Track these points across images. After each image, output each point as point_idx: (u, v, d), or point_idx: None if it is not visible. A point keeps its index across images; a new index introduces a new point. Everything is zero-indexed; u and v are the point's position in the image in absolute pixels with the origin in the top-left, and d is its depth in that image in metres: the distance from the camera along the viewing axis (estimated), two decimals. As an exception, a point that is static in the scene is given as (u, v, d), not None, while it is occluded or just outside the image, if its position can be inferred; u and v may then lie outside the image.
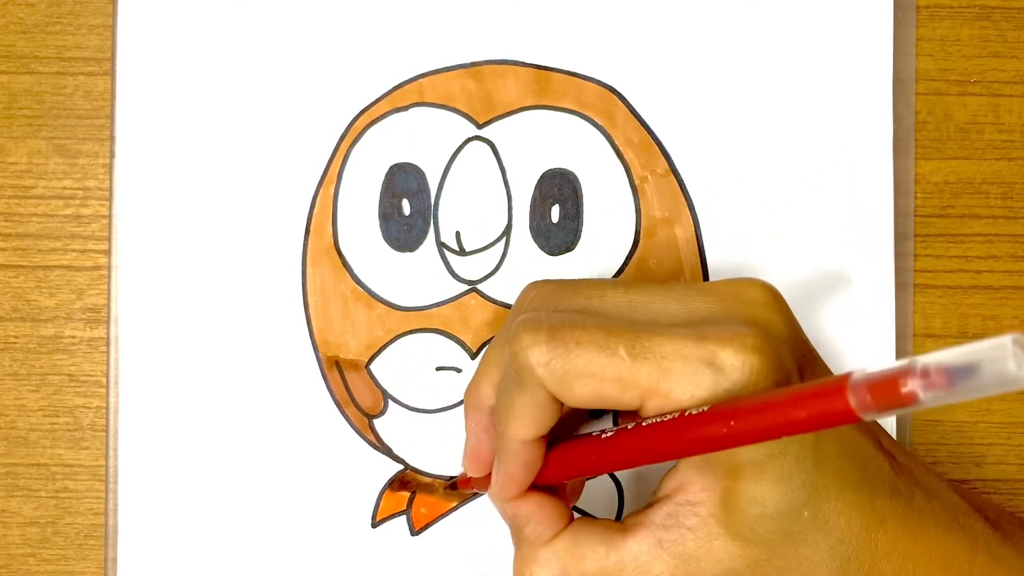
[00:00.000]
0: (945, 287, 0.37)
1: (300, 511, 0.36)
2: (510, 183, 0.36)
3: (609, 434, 0.28)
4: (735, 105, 0.37)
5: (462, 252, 0.36)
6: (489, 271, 0.36)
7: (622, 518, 0.30)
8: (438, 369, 0.36)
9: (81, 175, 0.37)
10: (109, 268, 0.37)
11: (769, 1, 0.37)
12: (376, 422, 0.36)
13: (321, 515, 0.36)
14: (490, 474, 0.31)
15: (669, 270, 0.36)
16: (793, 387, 0.24)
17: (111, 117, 0.37)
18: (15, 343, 0.37)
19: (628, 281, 0.30)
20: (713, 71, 0.37)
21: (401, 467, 0.36)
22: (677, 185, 0.37)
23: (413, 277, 0.36)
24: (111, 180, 0.37)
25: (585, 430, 0.31)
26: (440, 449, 0.36)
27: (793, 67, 0.37)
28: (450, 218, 0.36)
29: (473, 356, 0.36)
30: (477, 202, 0.36)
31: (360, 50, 0.37)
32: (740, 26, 0.37)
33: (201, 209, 0.36)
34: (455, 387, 0.36)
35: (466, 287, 0.36)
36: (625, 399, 0.27)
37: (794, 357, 0.28)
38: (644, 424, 0.27)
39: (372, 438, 0.36)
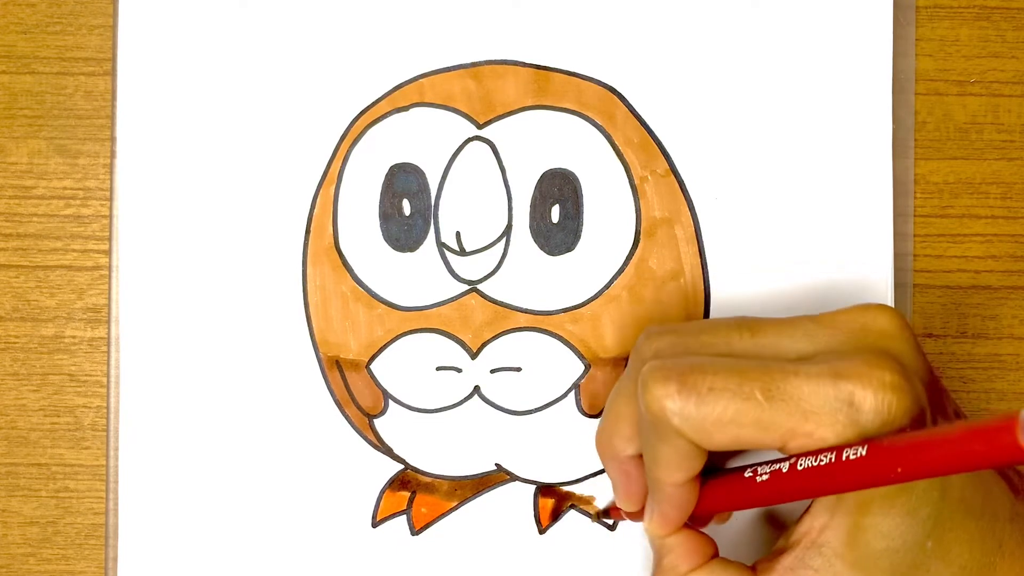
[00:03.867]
0: (945, 287, 0.37)
1: (300, 511, 0.36)
2: (510, 183, 0.36)
3: (764, 477, 0.28)
4: (735, 105, 0.37)
5: (462, 252, 0.36)
6: (489, 271, 0.36)
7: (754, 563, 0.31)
8: (438, 369, 0.36)
9: (82, 175, 0.37)
10: (109, 268, 0.37)
11: (769, 1, 0.37)
12: (376, 422, 0.36)
13: (321, 515, 0.36)
14: (644, 507, 0.32)
15: (669, 270, 0.36)
16: (957, 425, 0.24)
17: (112, 117, 0.37)
18: (16, 343, 0.37)
19: (750, 322, 0.29)
20: (713, 71, 0.37)
21: (401, 467, 0.36)
22: (677, 185, 0.37)
23: (413, 277, 0.36)
24: (112, 180, 0.37)
25: (734, 462, 0.31)
26: (440, 449, 0.36)
27: (793, 67, 0.37)
28: (450, 218, 0.36)
29: (473, 356, 0.36)
30: (477, 202, 0.36)
31: (360, 50, 0.37)
32: (740, 26, 0.37)
33: (201, 209, 0.36)
34: (455, 387, 0.36)
35: (466, 287, 0.36)
36: (766, 441, 0.27)
37: (925, 388, 0.28)
38: (800, 468, 0.27)
39: (372, 438, 0.36)
